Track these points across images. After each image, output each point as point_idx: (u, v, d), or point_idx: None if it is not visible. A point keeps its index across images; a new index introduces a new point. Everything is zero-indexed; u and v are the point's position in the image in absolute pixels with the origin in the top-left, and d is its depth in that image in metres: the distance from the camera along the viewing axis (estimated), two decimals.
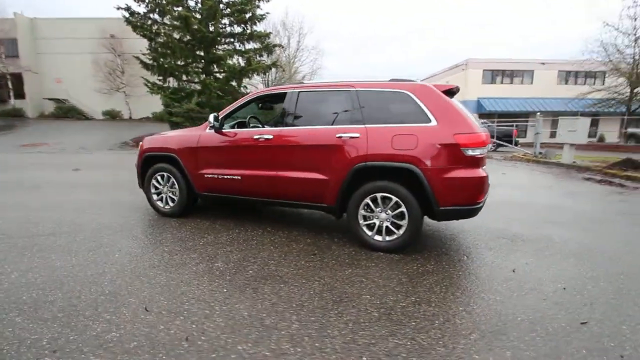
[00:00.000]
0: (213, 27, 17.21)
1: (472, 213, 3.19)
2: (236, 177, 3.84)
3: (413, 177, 3.13)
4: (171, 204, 4.37)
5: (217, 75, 18.58)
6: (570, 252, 3.46)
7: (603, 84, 25.23)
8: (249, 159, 3.79)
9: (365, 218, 3.38)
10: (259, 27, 19.36)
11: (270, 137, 3.65)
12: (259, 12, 18.30)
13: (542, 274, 2.93)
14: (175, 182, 4.26)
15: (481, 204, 3.19)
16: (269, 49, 19.36)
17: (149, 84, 17.30)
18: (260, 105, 4.69)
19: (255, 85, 26.31)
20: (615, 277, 2.91)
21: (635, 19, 13.08)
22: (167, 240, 3.57)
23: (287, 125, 3.65)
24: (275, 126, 3.79)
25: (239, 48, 18.98)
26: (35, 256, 3.08)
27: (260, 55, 19.08)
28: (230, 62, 18.58)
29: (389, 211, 3.28)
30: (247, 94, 19.87)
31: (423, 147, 3.08)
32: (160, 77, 17.54)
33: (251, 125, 4.57)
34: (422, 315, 2.27)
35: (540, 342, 2.00)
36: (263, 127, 4.57)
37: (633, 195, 6.80)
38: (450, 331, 2.09)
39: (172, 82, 18.31)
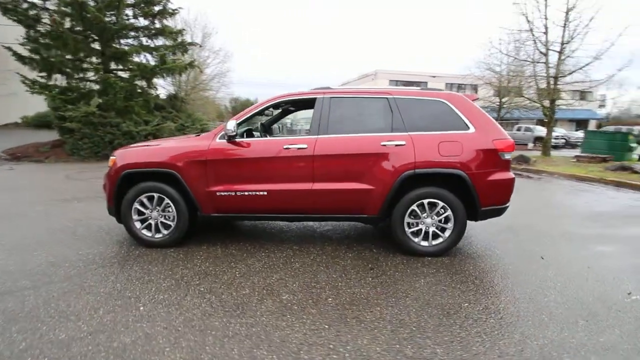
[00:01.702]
0: (116, 18, 14.79)
1: (503, 212, 3.48)
2: (261, 193, 3.36)
3: (460, 182, 3.25)
4: (164, 231, 3.56)
5: (121, 73, 16.04)
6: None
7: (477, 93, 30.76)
8: (278, 172, 3.36)
9: (409, 225, 3.37)
10: (170, 23, 17.43)
11: (305, 146, 3.32)
12: (169, 6, 16.48)
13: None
14: (172, 204, 3.49)
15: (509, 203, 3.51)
16: (183, 47, 17.64)
17: (27, 82, 13.83)
18: (280, 110, 4.22)
19: (162, 87, 23.69)
20: None
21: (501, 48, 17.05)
22: (191, 277, 2.90)
23: (321, 133, 3.37)
24: (305, 135, 3.47)
25: (147, 44, 16.76)
26: None
27: (174, 54, 17.24)
28: (137, 59, 16.26)
29: (435, 216, 3.34)
30: (156, 95, 17.68)
31: (467, 153, 3.23)
32: (44, 74, 14.24)
33: (255, 134, 4.07)
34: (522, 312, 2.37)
35: None
36: (265, 135, 4.12)
37: (544, 182, 8.46)
38: None
39: (60, 80, 15.05)
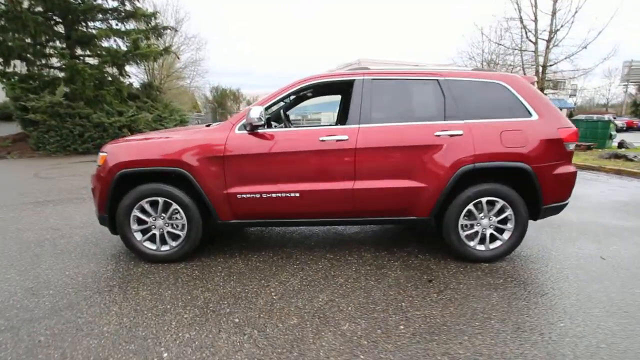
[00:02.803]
0: None
1: (562, 209, 3.10)
2: (292, 195, 2.81)
3: (523, 177, 2.84)
4: (172, 242, 2.94)
5: (90, 60, 14.68)
6: None
7: None
8: (313, 169, 2.81)
9: (462, 227, 2.93)
10: (142, 6, 16.04)
11: (345, 137, 2.78)
12: None
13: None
14: (181, 210, 2.87)
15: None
16: (157, 31, 16.38)
17: None
18: (309, 95, 3.62)
19: (135, 75, 22.15)
20: None
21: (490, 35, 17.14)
22: (217, 304, 2.33)
23: (363, 122, 2.83)
24: (342, 124, 2.91)
25: (118, 28, 15.38)
26: None
27: (147, 38, 15.94)
28: (106, 44, 14.93)
29: (493, 216, 2.91)
30: (129, 84, 16.38)
31: (532, 144, 2.81)
32: (0, 60, 12.73)
33: (275, 124, 3.48)
34: None
35: None
36: (288, 126, 3.53)
37: None
38: None
39: (20, 67, 13.54)
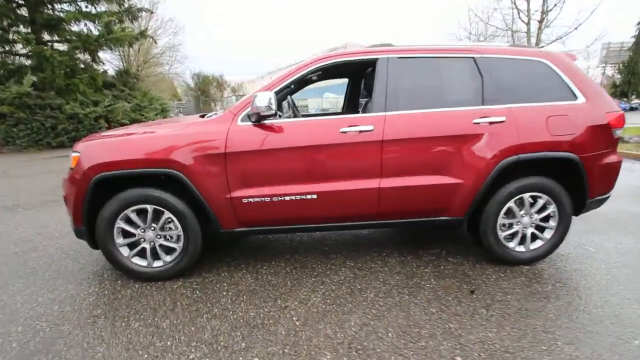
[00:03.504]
0: None
1: (603, 202, 2.79)
2: (309, 197, 2.39)
3: (569, 169, 2.50)
4: (166, 257, 2.49)
5: (59, 46, 13.56)
6: None
7: None
8: (333, 166, 2.38)
9: (501, 227, 2.59)
10: None
11: (370, 128, 2.35)
12: None
13: None
14: (175, 219, 2.41)
15: None
16: (131, 13, 15.26)
17: None
18: (314, 78, 3.14)
19: (109, 62, 20.89)
20: None
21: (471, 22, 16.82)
22: (230, 335, 1.92)
23: (389, 109, 2.41)
24: (351, 112, 2.49)
25: (88, 10, 14.21)
26: None
27: (121, 21, 14.84)
28: (76, 28, 13.80)
29: (535, 214, 2.58)
30: (104, 71, 15.30)
31: (579, 130, 2.46)
32: None
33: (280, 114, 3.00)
34: None
35: None
36: (297, 114, 3.07)
37: None
38: None
39: None
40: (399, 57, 2.47)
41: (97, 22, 13.88)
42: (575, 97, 2.51)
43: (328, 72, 3.09)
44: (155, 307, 2.18)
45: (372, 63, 2.53)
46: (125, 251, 2.46)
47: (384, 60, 2.46)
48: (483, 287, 2.35)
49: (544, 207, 2.57)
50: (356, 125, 2.36)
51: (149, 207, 2.38)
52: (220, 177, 2.35)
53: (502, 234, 2.59)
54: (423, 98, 2.47)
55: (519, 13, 13.81)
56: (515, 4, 13.62)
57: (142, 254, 2.48)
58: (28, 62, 12.67)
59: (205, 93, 34.28)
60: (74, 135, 12.42)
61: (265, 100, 2.21)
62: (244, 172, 2.36)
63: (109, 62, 19.94)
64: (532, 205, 2.56)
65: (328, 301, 2.22)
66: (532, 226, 2.60)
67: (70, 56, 12.95)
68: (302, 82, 3.32)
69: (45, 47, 12.45)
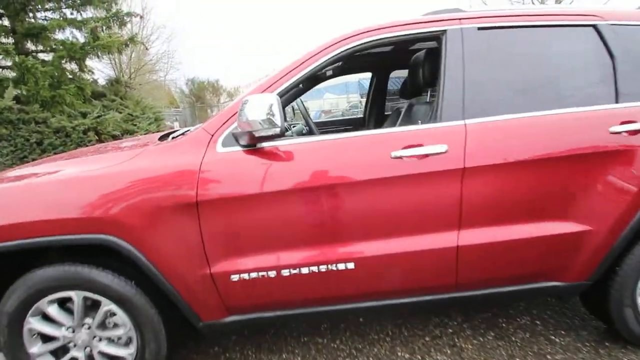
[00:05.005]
0: None
1: None
2: (342, 267, 1.41)
3: None
4: None
5: (43, 55, 12.77)
6: None
7: None
8: (380, 215, 1.42)
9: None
10: None
11: (443, 149, 1.38)
12: None
13: None
14: (121, 311, 1.45)
15: None
16: (119, 18, 14.40)
17: None
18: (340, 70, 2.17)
19: (100, 70, 20.06)
20: None
21: None
22: None
23: (468, 115, 1.44)
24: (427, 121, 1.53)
25: (73, 17, 13.43)
26: None
27: (109, 27, 14.01)
28: (61, 36, 13.00)
29: None
30: (93, 81, 14.60)
31: None
32: None
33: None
34: None
35: None
36: (313, 129, 2.09)
37: None
38: None
39: None
40: (478, 28, 1.49)
41: (83, 30, 13.13)
42: None
43: (352, 61, 2.12)
44: None
45: (433, 40, 1.56)
46: None
47: (457, 33, 1.49)
48: None
49: None
50: (418, 146, 1.38)
51: (75, 296, 1.42)
52: (191, 242, 1.39)
53: None
54: (522, 94, 1.50)
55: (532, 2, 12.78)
56: None
57: None
58: (10, 75, 11.86)
59: (200, 99, 33.31)
60: (61, 150, 11.57)
61: (262, 109, 1.25)
62: (231, 231, 1.41)
63: (100, 71, 19.08)
64: None
65: None
66: None
67: (55, 66, 12.13)
68: (313, 79, 2.34)
69: (27, 58, 11.62)
